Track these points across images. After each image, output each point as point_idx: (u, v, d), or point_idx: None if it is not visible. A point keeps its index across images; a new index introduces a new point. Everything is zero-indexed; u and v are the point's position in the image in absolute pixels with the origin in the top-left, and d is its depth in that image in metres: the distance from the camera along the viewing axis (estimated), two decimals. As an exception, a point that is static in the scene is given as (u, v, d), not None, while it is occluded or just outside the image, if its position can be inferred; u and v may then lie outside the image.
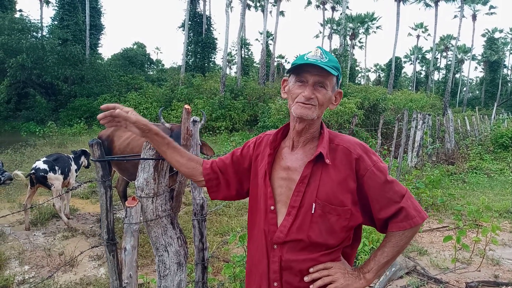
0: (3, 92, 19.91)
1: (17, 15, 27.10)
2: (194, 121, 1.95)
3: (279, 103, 14.82)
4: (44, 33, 26.69)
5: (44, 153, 10.92)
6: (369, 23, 49.89)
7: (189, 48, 32.68)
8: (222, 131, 19.23)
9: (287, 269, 1.39)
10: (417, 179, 7.11)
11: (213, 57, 35.40)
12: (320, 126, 1.49)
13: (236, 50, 36.70)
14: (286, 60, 58.11)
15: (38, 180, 5.51)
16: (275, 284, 1.41)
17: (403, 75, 61.97)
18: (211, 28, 34.73)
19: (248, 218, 1.58)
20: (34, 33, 24.59)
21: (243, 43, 38.44)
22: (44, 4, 34.41)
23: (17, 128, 20.86)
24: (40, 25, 27.05)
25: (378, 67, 66.00)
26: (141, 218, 1.68)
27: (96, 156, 1.35)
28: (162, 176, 1.72)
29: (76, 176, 6.34)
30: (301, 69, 1.37)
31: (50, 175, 5.58)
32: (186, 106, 1.82)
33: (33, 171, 5.53)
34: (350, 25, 47.23)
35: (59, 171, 5.73)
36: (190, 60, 33.28)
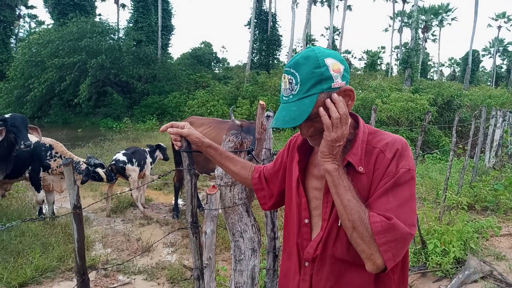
0: (85, 90, 21.65)
1: (97, 19, 29.34)
2: (268, 117, 2.05)
3: (345, 99, 14.55)
4: (120, 35, 28.55)
5: (120, 147, 11.74)
6: (444, 14, 47.06)
7: (254, 46, 33.15)
8: (285, 128, 19.29)
9: None
10: (495, 181, 6.67)
11: (277, 54, 35.62)
12: (356, 121, 1.30)
13: (301, 47, 36.54)
14: (352, 56, 56.93)
15: (118, 170, 5.98)
16: None
17: (481, 69, 57.66)
18: (276, 25, 34.95)
19: (284, 227, 1.48)
20: (112, 35, 26.45)
21: (308, 39, 38.15)
22: (121, 7, 36.83)
23: (96, 124, 22.62)
24: (117, 27, 29.02)
25: (453, 61, 62.10)
26: (219, 205, 1.81)
27: (183, 147, 1.50)
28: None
29: (151, 168, 6.78)
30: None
31: (128, 166, 6.02)
32: (261, 102, 1.92)
33: (113, 162, 6.02)
34: (423, 17, 44.89)
35: (136, 163, 6.17)
36: (255, 58, 33.76)
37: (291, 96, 1.16)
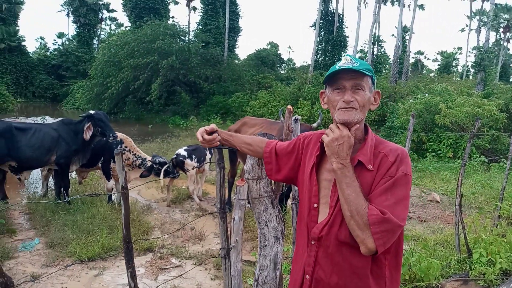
0: (156, 89, 23.08)
1: (170, 21, 31.02)
2: (295, 120, 2.27)
3: (408, 103, 14.11)
4: (190, 37, 29.91)
5: (185, 143, 12.45)
6: (530, 12, 43.19)
7: (320, 46, 32.99)
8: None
9: (319, 266, 1.50)
10: None
11: (343, 55, 35.05)
12: (365, 130, 1.55)
13: (367, 48, 35.69)
14: (425, 57, 54.40)
15: (177, 163, 6.50)
16: (307, 277, 1.54)
17: None
18: (343, 26, 34.45)
19: (298, 211, 1.74)
20: (182, 37, 27.86)
21: (376, 40, 37.14)
22: (192, 10, 38.49)
23: (166, 121, 24.00)
24: (187, 30, 30.48)
25: (539, 63, 56.80)
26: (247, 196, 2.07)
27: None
28: (265, 163, 2.08)
29: (210, 164, 7.24)
30: (336, 77, 1.48)
31: (187, 161, 6.51)
32: (289, 106, 2.15)
33: (175, 156, 6.56)
34: (505, 16, 41.56)
35: (195, 160, 6.64)
36: (320, 59, 33.56)
37: (351, 66, 1.45)
